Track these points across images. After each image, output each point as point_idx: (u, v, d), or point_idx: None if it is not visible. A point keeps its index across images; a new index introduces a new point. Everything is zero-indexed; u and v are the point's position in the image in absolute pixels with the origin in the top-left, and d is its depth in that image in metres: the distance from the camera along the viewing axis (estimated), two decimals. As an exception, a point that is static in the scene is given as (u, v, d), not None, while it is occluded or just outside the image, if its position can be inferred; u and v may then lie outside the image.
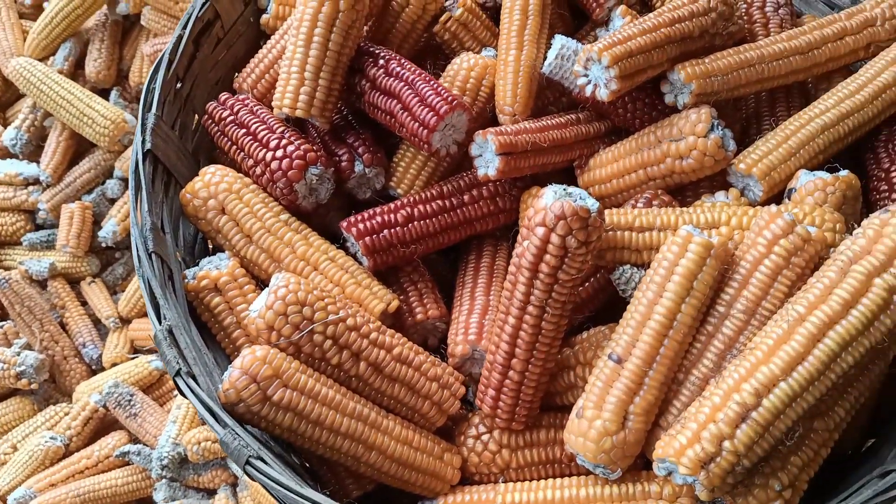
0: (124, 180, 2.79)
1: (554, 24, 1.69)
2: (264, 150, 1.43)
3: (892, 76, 1.46)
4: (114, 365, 2.65)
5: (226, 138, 1.50)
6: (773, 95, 1.56)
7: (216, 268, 1.38)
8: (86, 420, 2.51)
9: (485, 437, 1.34)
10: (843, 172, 1.32)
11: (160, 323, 1.24)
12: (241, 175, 1.45)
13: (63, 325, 2.73)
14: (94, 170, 2.79)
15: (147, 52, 2.69)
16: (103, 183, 2.82)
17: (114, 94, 2.85)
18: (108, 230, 2.73)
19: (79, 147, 2.85)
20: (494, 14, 1.65)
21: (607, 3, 1.60)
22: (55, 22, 2.76)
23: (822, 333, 1.06)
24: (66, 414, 2.52)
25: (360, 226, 1.42)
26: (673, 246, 1.19)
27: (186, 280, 1.38)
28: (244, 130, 1.47)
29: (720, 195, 1.41)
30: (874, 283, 1.06)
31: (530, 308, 1.23)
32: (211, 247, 1.52)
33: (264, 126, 1.46)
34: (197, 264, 1.42)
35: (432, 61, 1.70)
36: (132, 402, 2.47)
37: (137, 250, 1.30)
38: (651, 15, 1.43)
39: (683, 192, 1.49)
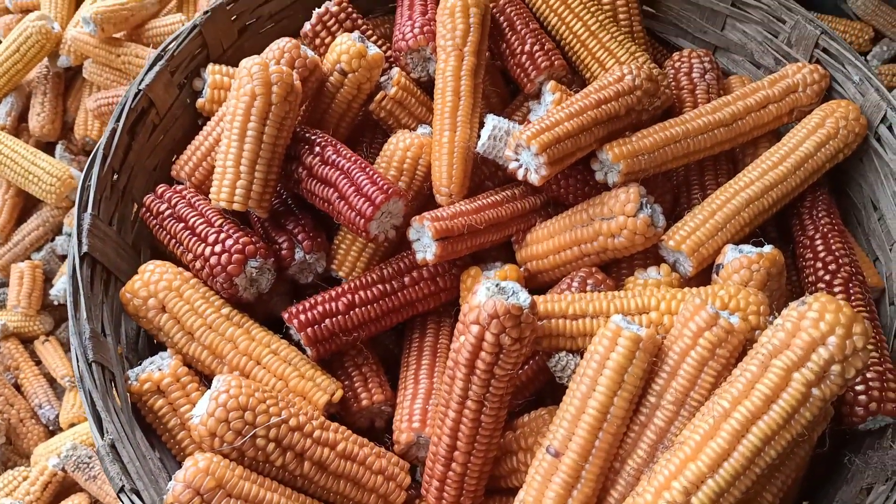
0: (74, 235, 2.76)
1: (488, 94, 1.72)
2: (203, 244, 1.44)
3: (813, 145, 1.52)
4: (72, 425, 2.63)
5: (164, 232, 1.50)
6: (701, 164, 1.61)
7: (158, 369, 1.39)
8: (44, 485, 2.48)
9: (432, 525, 1.37)
10: (767, 248, 1.37)
11: (102, 437, 1.24)
12: (180, 270, 1.45)
13: (18, 387, 2.70)
14: (42, 227, 2.76)
15: (90, 108, 2.66)
16: (52, 240, 2.79)
17: (59, 148, 2.82)
18: (60, 287, 2.70)
19: (26, 203, 2.81)
20: (430, 87, 1.67)
21: (537, 78, 1.62)
22: (-5, 79, 2.72)
23: (745, 429, 1.10)
24: (25, 479, 2.49)
25: (302, 317, 1.44)
26: (603, 339, 1.22)
27: (129, 382, 1.38)
28: (182, 224, 1.47)
29: (652, 271, 1.45)
30: (793, 378, 1.11)
31: (469, 403, 1.26)
32: (156, 341, 1.53)
33: (202, 219, 1.47)
34: (140, 362, 1.42)
35: (370, 137, 1.72)
36: (91, 465, 2.45)
37: (77, 361, 1.30)
38: (578, 97, 1.46)
39: (618, 264, 1.53)
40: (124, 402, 1.36)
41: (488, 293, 1.22)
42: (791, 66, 1.61)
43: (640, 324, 1.30)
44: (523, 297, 1.22)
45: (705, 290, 1.33)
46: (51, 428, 2.69)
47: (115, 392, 1.35)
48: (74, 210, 1.43)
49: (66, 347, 2.80)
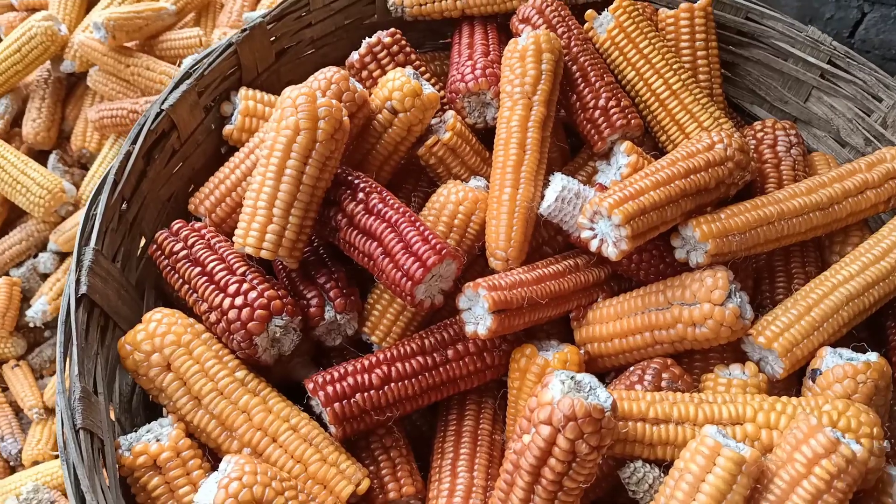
0: (59, 254, 2.54)
1: (549, 149, 1.54)
2: (221, 294, 1.24)
3: (917, 238, 1.35)
4: (35, 463, 2.38)
5: (177, 275, 1.30)
6: (787, 249, 1.44)
7: (156, 439, 1.17)
8: (-2, 529, 2.23)
9: None
10: (873, 357, 1.19)
11: (84, 525, 1.02)
12: (191, 321, 1.25)
13: (-22, 415, 2.45)
14: (25, 241, 2.53)
15: (92, 118, 2.46)
16: (35, 256, 2.56)
17: (52, 158, 2.60)
18: (38, 309, 2.46)
19: (10, 215, 2.59)
20: (485, 135, 1.49)
21: (610, 137, 1.45)
22: (-9, 78, 2.51)
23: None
24: (-25, 521, 2.23)
25: (329, 388, 1.23)
26: (697, 456, 1.03)
27: (120, 452, 1.16)
28: (199, 269, 1.27)
29: (735, 369, 1.27)
30: None
31: (528, 515, 1.06)
32: (151, 398, 1.31)
33: (223, 265, 1.27)
34: (135, 428, 1.20)
35: (413, 183, 1.54)
36: (53, 511, 2.21)
37: (62, 426, 1.08)
38: (663, 163, 1.29)
39: (691, 355, 1.35)
40: (112, 477, 1.14)
41: (563, 388, 1.03)
42: (889, 150, 1.45)
43: (734, 436, 1.11)
44: (604, 397, 1.03)
45: (808, 401, 1.14)
46: (11, 463, 2.43)
47: (103, 464, 1.13)
48: (76, 242, 1.22)
49: (37, 374, 2.55)
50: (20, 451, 2.40)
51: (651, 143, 1.55)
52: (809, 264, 1.43)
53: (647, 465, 1.14)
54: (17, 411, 2.49)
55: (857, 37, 2.03)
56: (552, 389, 1.04)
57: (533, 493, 1.05)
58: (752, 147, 1.53)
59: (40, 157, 2.63)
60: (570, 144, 1.63)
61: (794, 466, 1.02)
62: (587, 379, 1.05)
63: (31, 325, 2.50)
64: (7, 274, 2.55)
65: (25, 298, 2.55)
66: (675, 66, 1.50)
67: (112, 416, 1.22)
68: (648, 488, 1.12)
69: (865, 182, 1.41)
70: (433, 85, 1.53)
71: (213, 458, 1.21)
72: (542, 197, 1.37)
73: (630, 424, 1.14)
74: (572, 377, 1.05)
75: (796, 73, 1.60)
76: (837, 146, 1.61)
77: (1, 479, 2.37)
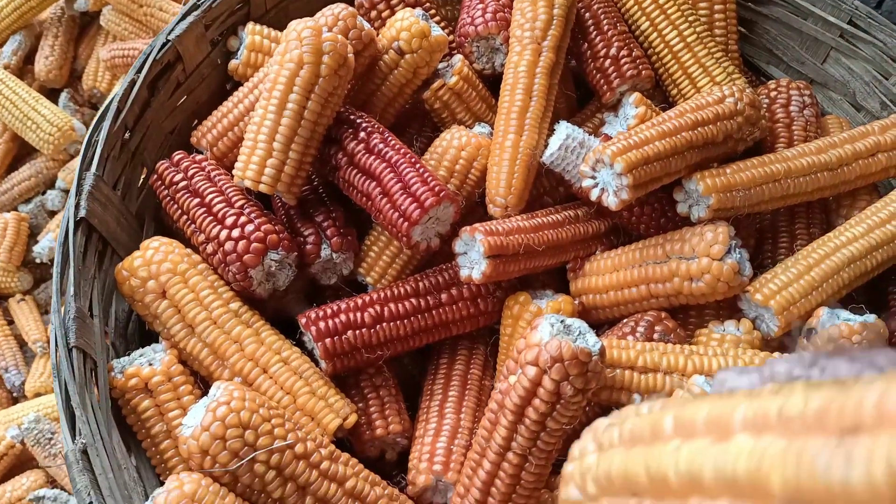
0: (67, 192, 2.55)
1: (557, 98, 1.52)
2: (219, 226, 1.24)
3: (925, 205, 1.33)
4: (37, 395, 2.41)
5: (176, 206, 1.30)
6: (792, 210, 1.42)
7: (149, 363, 1.18)
8: (0, 456, 2.27)
9: (444, 588, 1.17)
10: (871, 318, 1.18)
11: (73, 440, 1.03)
12: (188, 251, 1.25)
13: (-16, 346, 2.48)
14: (34, 178, 2.54)
15: (104, 58, 2.45)
16: (43, 193, 2.57)
17: (63, 96, 2.60)
18: (45, 245, 2.48)
19: (20, 151, 2.60)
20: (492, 82, 1.47)
21: (619, 87, 1.43)
22: (5, 13, 2.50)
23: None
24: (-22, 447, 2.27)
25: (321, 324, 1.23)
26: (682, 403, 1.02)
27: (113, 374, 1.17)
28: (198, 200, 1.27)
29: (730, 325, 1.26)
30: None
31: (510, 455, 1.06)
32: (148, 327, 1.32)
33: (221, 197, 1.26)
34: (128, 352, 1.21)
35: (418, 128, 1.52)
36: (53, 442, 2.24)
37: (56, 344, 1.09)
38: (671, 114, 1.27)
39: (686, 311, 1.34)
40: (104, 397, 1.15)
41: (552, 331, 1.03)
42: (904, 114, 1.43)
43: (722, 389, 1.10)
44: (592, 341, 1.03)
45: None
46: (14, 394, 2.47)
47: (95, 384, 1.14)
48: (76, 166, 1.22)
49: (42, 309, 2.58)
50: (23, 383, 2.43)
51: (661, 97, 1.53)
52: (814, 226, 1.41)
53: (634, 412, 1.14)
54: (22, 344, 2.53)
55: (884, 7, 1.98)
56: (541, 331, 1.03)
57: (516, 432, 1.05)
58: (765, 106, 1.50)
59: (52, 95, 2.63)
60: (579, 96, 1.60)
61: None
62: (577, 324, 1.05)
63: (38, 260, 2.52)
64: (15, 209, 2.57)
65: (33, 234, 2.57)
66: (690, 19, 1.47)
67: (107, 340, 1.23)
68: (634, 435, 1.12)
69: (878, 145, 1.38)
70: (443, 28, 1.51)
71: (204, 385, 1.22)
72: (546, 145, 1.35)
73: (618, 372, 1.14)
74: (562, 321, 1.05)
75: (815, 32, 1.56)
76: (853, 110, 1.58)
77: (4, 409, 2.41)
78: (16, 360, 2.47)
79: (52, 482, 2.28)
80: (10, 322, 2.57)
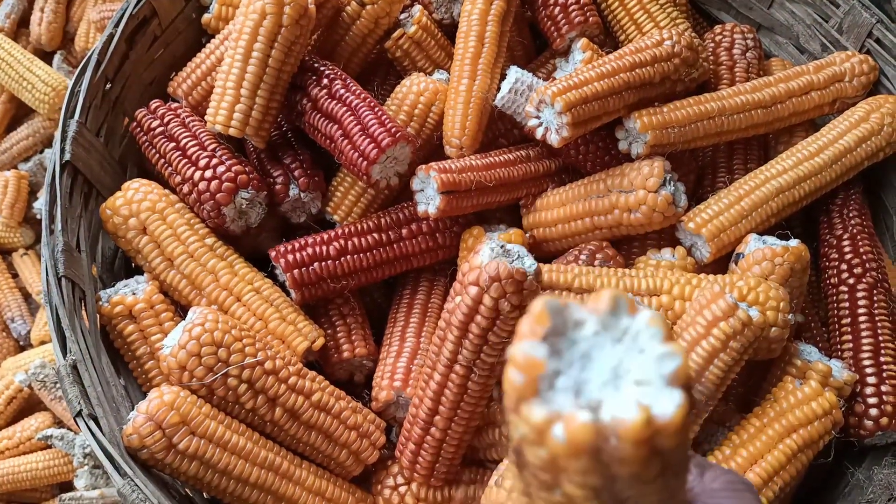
0: (65, 150, 2.65)
1: (513, 47, 1.61)
2: (193, 168, 1.34)
3: (853, 139, 1.42)
4: (42, 343, 2.55)
5: (154, 150, 1.40)
6: (731, 146, 1.51)
7: (132, 293, 1.30)
8: (9, 399, 2.41)
9: (402, 489, 1.29)
10: (793, 242, 1.28)
11: (64, 357, 1.16)
12: (166, 192, 1.36)
13: (-9, 298, 2.62)
14: (32, 137, 2.65)
15: (94, 19, 2.54)
16: (41, 151, 2.68)
17: (57, 58, 2.69)
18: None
19: (17, 112, 2.70)
20: (451, 31, 1.56)
21: (568, 34, 1.52)
22: (-3, -24, 2.59)
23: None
24: (-10, 391, 2.42)
25: (290, 257, 1.35)
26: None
27: (100, 303, 1.29)
28: (173, 144, 1.38)
29: (666, 252, 1.37)
30: None
31: (457, 367, 1.18)
32: (134, 264, 1.43)
33: (195, 141, 1.37)
34: (114, 284, 1.33)
35: (382, 76, 1.62)
36: (58, 385, 2.39)
37: (47, 274, 1.21)
38: (611, 57, 1.36)
39: (630, 242, 1.45)
40: (93, 324, 1.27)
41: (492, 254, 1.13)
42: (839, 54, 1.51)
43: (649, 305, 1.21)
44: (528, 263, 1.13)
45: (723, 278, 1.24)
46: (21, 343, 2.61)
47: (84, 312, 1.26)
48: (61, 115, 1.32)
49: (45, 264, 2.70)
50: (29, 332, 2.57)
51: (613, 46, 1.61)
52: (752, 161, 1.50)
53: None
54: (27, 296, 2.66)
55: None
56: (482, 255, 1.14)
57: (461, 346, 1.16)
58: (710, 49, 1.59)
59: (46, 57, 2.72)
60: (537, 44, 1.69)
61: (695, 328, 1.13)
62: (515, 248, 1.15)
63: (38, 216, 2.63)
64: (15, 168, 2.68)
65: (33, 192, 2.68)
66: (637, -33, 1.55)
67: (95, 273, 1.35)
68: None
69: (811, 83, 1.47)
70: (405, -19, 1.59)
71: (183, 313, 1.33)
72: (499, 89, 1.45)
73: (556, 293, 1.25)
74: (502, 245, 1.15)
75: (760, -22, 1.64)
76: (797, 52, 1.66)
77: (12, 356, 2.55)
78: (21, 311, 2.60)
79: (58, 422, 2.42)
80: (15, 275, 2.70)
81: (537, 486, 0.48)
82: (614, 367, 0.46)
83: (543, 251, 1.47)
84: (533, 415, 0.44)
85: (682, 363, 0.44)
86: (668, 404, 0.43)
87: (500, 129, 1.52)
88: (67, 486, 2.35)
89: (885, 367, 1.28)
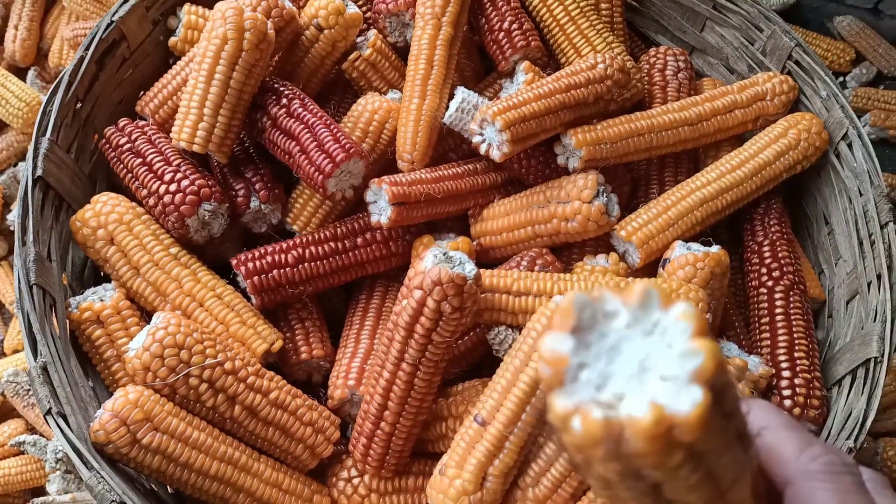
0: (38, 164, 2.72)
1: (463, 68, 1.72)
2: (158, 182, 1.43)
3: (773, 153, 1.54)
4: (15, 351, 2.61)
5: (122, 165, 1.49)
6: (662, 160, 1.63)
7: (100, 299, 1.39)
8: (-18, 407, 2.47)
9: (355, 481, 1.39)
10: (714, 249, 1.39)
11: (35, 359, 1.24)
12: (133, 204, 1.45)
13: (-36, 309, 2.67)
14: (5, 151, 2.71)
15: (67, 37, 2.62)
16: (15, 165, 2.75)
17: (31, 73, 2.77)
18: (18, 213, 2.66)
19: (-9, 127, 2.77)
20: (405, 53, 1.66)
21: (512, 57, 1.63)
22: (-29, -4, 2.66)
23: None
24: (-38, 401, 2.47)
25: (250, 264, 1.44)
26: (542, 318, 1.24)
27: (70, 310, 1.38)
28: (140, 160, 1.47)
29: (601, 258, 1.47)
30: None
31: (404, 365, 1.28)
32: (102, 273, 1.52)
33: (161, 157, 1.46)
34: (83, 292, 1.42)
35: (340, 96, 1.72)
36: (30, 393, 2.45)
37: (19, 282, 1.29)
38: (548, 79, 1.47)
39: (571, 249, 1.56)
40: (63, 329, 1.36)
41: (435, 260, 1.24)
42: (762, 75, 1.64)
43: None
44: (469, 269, 1.24)
45: (648, 281, 1.35)
46: (-6, 353, 2.67)
47: (54, 318, 1.34)
48: (34, 133, 1.41)
49: (18, 275, 2.76)
50: (2, 341, 2.63)
51: (556, 68, 1.72)
52: (682, 174, 1.62)
53: (509, 329, 1.36)
54: (0, 305, 2.72)
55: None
56: (426, 261, 1.24)
57: (408, 346, 1.26)
58: (646, 70, 1.71)
59: (20, 73, 2.79)
60: (486, 66, 1.80)
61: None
62: (458, 255, 1.26)
63: (12, 228, 2.70)
64: (-11, 181, 2.74)
65: (6, 204, 2.75)
66: (576, -5, 1.67)
67: (65, 281, 1.43)
68: (508, 347, 1.34)
69: (735, 102, 1.59)
70: (360, 7, 1.70)
71: (149, 319, 1.41)
72: (448, 108, 1.55)
73: (496, 296, 1.35)
74: (445, 252, 1.26)
75: (693, 4, 1.77)
76: (727, 73, 1.79)
77: (-15, 365, 2.61)
78: (-6, 321, 2.66)
79: (31, 429, 2.48)
80: (-12, 286, 2.75)
81: (576, 466, 0.50)
82: (641, 360, 0.46)
83: (490, 258, 1.57)
84: (557, 406, 0.45)
85: (707, 360, 0.44)
86: (686, 401, 0.43)
87: (449, 145, 1.62)
88: (40, 491, 2.41)
89: (798, 362, 1.39)
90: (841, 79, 2.81)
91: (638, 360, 0.46)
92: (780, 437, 0.58)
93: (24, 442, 2.41)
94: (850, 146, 1.56)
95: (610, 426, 0.44)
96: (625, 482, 0.49)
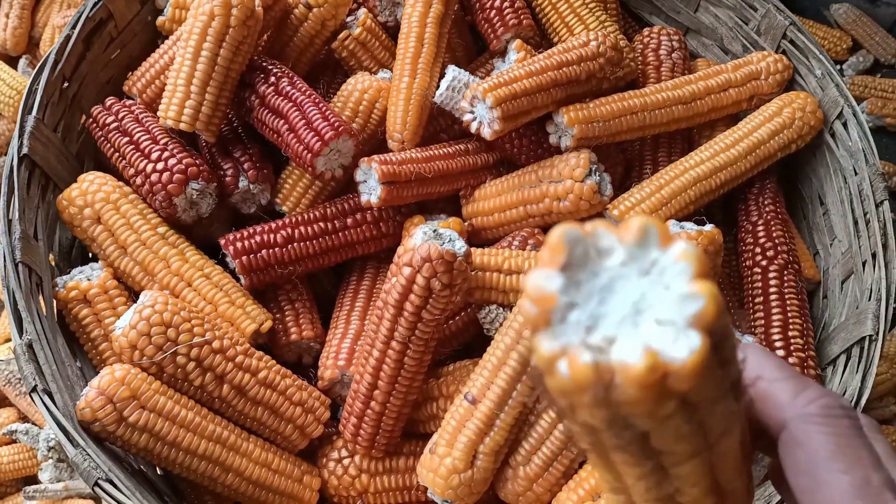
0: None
1: (455, 47, 1.71)
2: (146, 160, 1.42)
3: (767, 132, 1.53)
4: (7, 340, 2.59)
5: (109, 144, 1.48)
6: (656, 140, 1.61)
7: (87, 278, 1.37)
8: (-26, 397, 2.46)
9: (345, 462, 1.37)
10: (708, 227, 1.38)
11: (21, 336, 1.23)
12: (120, 184, 1.43)
13: (-44, 298, 2.65)
14: (-3, 139, 2.70)
15: (58, 24, 2.60)
16: (6, 153, 2.73)
17: (22, 62, 2.75)
18: (10, 203, 2.64)
19: (-19, 115, 2.75)
20: (395, 32, 1.65)
21: (504, 35, 1.61)
22: (-39, -17, 2.64)
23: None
24: (-47, 390, 2.46)
25: (238, 244, 1.42)
26: (531, 294, 1.23)
27: (57, 289, 1.36)
28: (127, 139, 1.45)
29: (593, 238, 1.46)
30: None
31: (394, 343, 1.26)
32: (91, 253, 1.50)
33: (148, 136, 1.44)
34: (70, 271, 1.40)
35: (330, 76, 1.70)
36: (22, 381, 2.43)
37: (4, 261, 1.28)
38: (540, 57, 1.46)
39: (562, 229, 1.54)
40: (49, 309, 1.34)
41: (424, 237, 1.22)
42: (756, 54, 1.62)
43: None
44: (459, 245, 1.22)
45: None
46: (-14, 342, 2.65)
47: (41, 297, 1.33)
48: (19, 111, 1.39)
49: (10, 265, 2.75)
50: (-6, 330, 2.61)
51: (549, 46, 1.71)
52: (675, 154, 1.60)
53: (500, 308, 1.34)
54: (-8, 296, 2.71)
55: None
56: (415, 238, 1.23)
57: (397, 324, 1.25)
58: (639, 50, 1.69)
59: (11, 62, 2.77)
60: (479, 46, 1.79)
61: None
62: (447, 232, 1.24)
63: (4, 217, 2.68)
64: (-19, 169, 2.73)
65: (-1, 193, 2.73)
66: (568, -27, 1.65)
67: (52, 261, 1.42)
68: (499, 326, 1.33)
69: (728, 81, 1.58)
70: (351, -14, 1.68)
71: (136, 298, 1.40)
72: (438, 87, 1.54)
73: (487, 274, 1.34)
74: (434, 230, 1.24)
75: (686, -17, 1.75)
76: (722, 53, 1.77)
77: (-23, 355, 2.59)
78: (-14, 311, 2.65)
79: (23, 418, 2.47)
80: (-20, 276, 2.74)
81: (560, 413, 0.47)
82: (636, 302, 0.42)
83: (482, 238, 1.56)
84: (542, 348, 0.42)
85: (707, 304, 0.40)
86: (683, 348, 0.40)
87: (441, 125, 1.61)
88: (32, 480, 2.40)
89: (792, 341, 1.38)
90: (838, 67, 2.79)
91: (632, 301, 0.42)
92: (775, 381, 0.55)
93: (16, 430, 2.39)
94: (844, 125, 1.55)
95: (599, 371, 0.41)
96: (611, 430, 0.45)
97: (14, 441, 2.41)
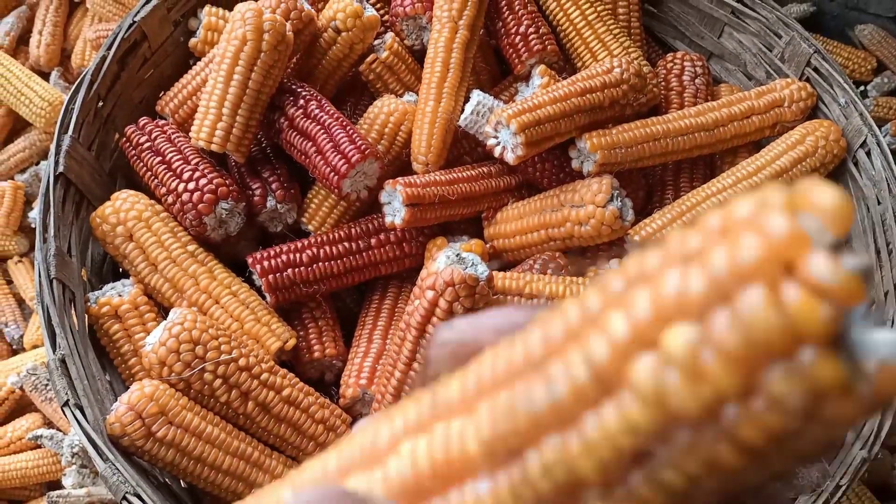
0: (60, 162, 2.77)
1: (479, 71, 1.73)
2: (177, 180, 1.45)
3: (790, 160, 1.54)
4: (34, 347, 2.65)
5: (141, 163, 1.51)
6: (678, 166, 1.63)
7: (118, 294, 1.41)
8: (1, 400, 2.50)
9: (366, 480, 1.39)
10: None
11: (54, 352, 1.26)
12: (152, 202, 1.47)
13: (-14, 304, 2.71)
14: (28, 149, 2.76)
15: (90, 38, 2.66)
16: (37, 163, 2.79)
17: (54, 74, 2.81)
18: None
19: (15, 125, 2.81)
20: (421, 56, 1.68)
21: (528, 61, 1.64)
22: (-3, -4, 2.71)
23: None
24: (-18, 394, 2.51)
25: (265, 263, 1.45)
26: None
27: (89, 304, 1.40)
28: (159, 158, 1.49)
29: (613, 263, 1.48)
30: None
31: (416, 365, 1.29)
32: (121, 269, 1.54)
33: (180, 156, 1.48)
34: (102, 287, 1.44)
35: (357, 97, 1.73)
36: (48, 387, 2.48)
37: (39, 277, 1.32)
38: (564, 83, 1.48)
39: (584, 252, 1.56)
40: (81, 324, 1.38)
41: (447, 261, 1.24)
42: (780, 81, 1.63)
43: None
44: (481, 270, 1.24)
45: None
46: (14, 347, 2.70)
47: (73, 312, 1.36)
48: (55, 131, 1.43)
49: (39, 272, 2.80)
50: (22, 337, 2.67)
51: (572, 72, 1.73)
52: (697, 180, 1.62)
53: (521, 331, 1.36)
54: (20, 302, 2.76)
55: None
56: (438, 262, 1.25)
57: (419, 345, 1.27)
58: (662, 76, 1.71)
59: (43, 73, 2.84)
60: (503, 70, 1.81)
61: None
62: (470, 256, 1.26)
63: (32, 225, 2.74)
64: (12, 178, 2.79)
65: (28, 202, 2.79)
66: (593, 0, 1.67)
67: (84, 276, 1.46)
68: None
69: (752, 108, 1.59)
70: (378, 10, 1.71)
71: (165, 314, 1.44)
72: (463, 111, 1.56)
73: (509, 298, 1.36)
74: (457, 254, 1.26)
75: (710, 10, 1.77)
76: (745, 79, 1.79)
77: (4, 359, 2.65)
78: (14, 316, 2.70)
79: (48, 423, 2.51)
80: (10, 282, 2.80)
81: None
82: None
83: (504, 260, 1.58)
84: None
85: None
86: None
87: (464, 148, 1.63)
88: (56, 485, 2.44)
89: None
90: (862, 88, 2.79)
91: None
92: None
93: (41, 436, 2.44)
94: (868, 154, 1.55)
95: None
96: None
97: (39, 446, 2.46)
